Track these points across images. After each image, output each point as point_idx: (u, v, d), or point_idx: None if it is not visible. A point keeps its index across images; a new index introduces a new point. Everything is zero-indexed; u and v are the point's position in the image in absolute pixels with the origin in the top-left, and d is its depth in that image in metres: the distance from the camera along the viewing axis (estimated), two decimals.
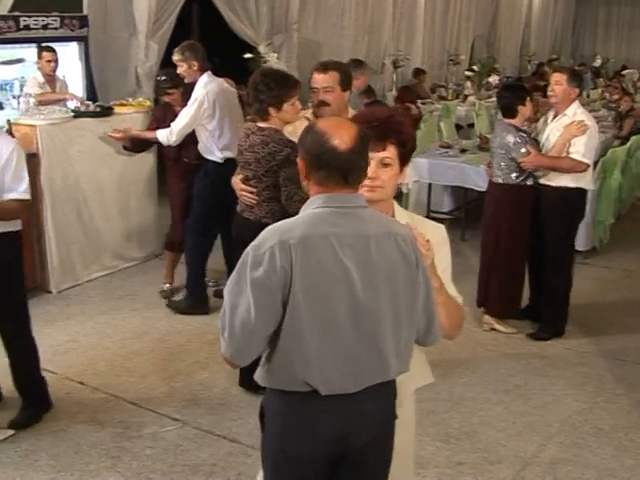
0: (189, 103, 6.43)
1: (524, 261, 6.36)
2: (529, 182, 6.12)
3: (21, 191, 4.54)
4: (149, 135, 6.82)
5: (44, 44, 8.37)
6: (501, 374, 5.70)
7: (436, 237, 2.91)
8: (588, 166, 5.97)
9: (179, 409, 5.10)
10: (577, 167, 5.94)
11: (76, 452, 4.65)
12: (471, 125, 12.03)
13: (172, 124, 6.51)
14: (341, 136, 2.58)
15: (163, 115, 6.88)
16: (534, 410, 5.22)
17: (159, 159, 7.77)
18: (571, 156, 5.93)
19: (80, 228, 7.26)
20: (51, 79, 8.31)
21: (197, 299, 6.68)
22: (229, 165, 6.34)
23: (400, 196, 9.32)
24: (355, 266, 2.55)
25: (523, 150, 5.98)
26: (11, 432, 4.78)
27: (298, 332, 2.56)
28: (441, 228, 3.00)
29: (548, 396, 5.40)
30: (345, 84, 4.64)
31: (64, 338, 6.03)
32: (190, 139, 6.54)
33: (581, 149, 5.91)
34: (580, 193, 6.11)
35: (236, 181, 4.93)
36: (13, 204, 4.54)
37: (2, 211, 4.55)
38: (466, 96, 13.50)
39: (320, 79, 4.59)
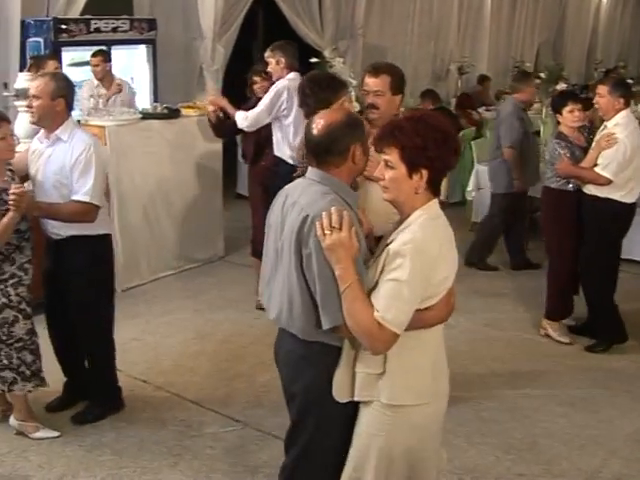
0: (268, 92, 6.47)
1: (568, 266, 6.27)
2: (570, 187, 6.12)
3: (82, 193, 4.55)
4: (231, 111, 6.74)
5: (95, 49, 8.49)
6: (565, 386, 5.63)
7: (396, 246, 2.89)
8: (609, 180, 5.84)
9: (241, 410, 5.14)
10: (597, 180, 5.90)
11: (139, 449, 4.72)
12: (536, 132, 11.87)
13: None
14: (317, 123, 3.09)
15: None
16: (598, 424, 5.13)
17: (226, 161, 7.85)
18: (595, 168, 5.90)
19: (146, 228, 7.37)
20: (104, 81, 8.39)
21: None
22: None
23: (464, 203, 9.33)
24: (283, 220, 3.11)
25: (558, 156, 6.06)
26: (56, 434, 4.82)
27: (263, 260, 3.32)
28: (408, 243, 2.86)
29: (613, 410, 5.31)
30: (396, 88, 4.55)
31: (128, 336, 6.09)
32: (270, 142, 6.55)
33: (604, 162, 5.86)
34: (613, 205, 5.95)
35: None
36: (72, 206, 4.57)
37: (60, 212, 4.60)
38: (531, 103, 13.32)
39: (371, 82, 4.50)
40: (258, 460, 4.60)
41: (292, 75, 6.45)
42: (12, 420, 4.81)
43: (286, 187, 3.26)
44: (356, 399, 3.08)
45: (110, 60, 8.52)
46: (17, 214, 4.33)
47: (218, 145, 7.94)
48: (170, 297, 7.16)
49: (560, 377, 5.78)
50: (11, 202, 4.27)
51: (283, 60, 6.43)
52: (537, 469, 4.61)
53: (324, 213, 2.89)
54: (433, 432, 3.18)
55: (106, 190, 5.05)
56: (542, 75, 13.56)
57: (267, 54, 6.53)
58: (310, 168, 3.16)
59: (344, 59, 11.19)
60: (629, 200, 6.00)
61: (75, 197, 4.56)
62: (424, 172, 2.92)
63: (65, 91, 4.65)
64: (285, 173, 6.41)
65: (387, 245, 2.95)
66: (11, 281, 4.53)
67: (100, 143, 4.90)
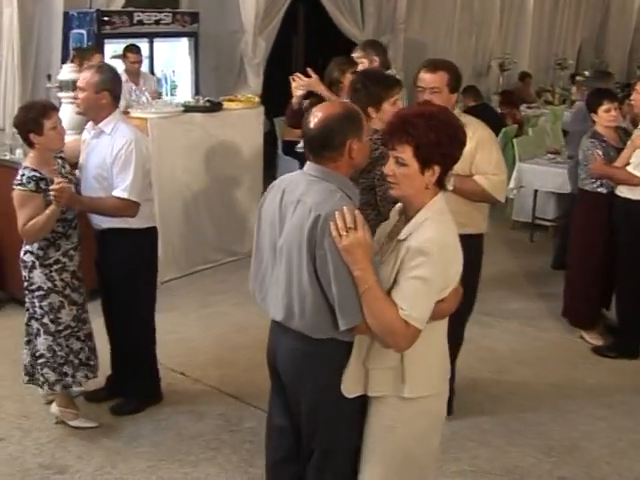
0: None
1: (596, 272, 6.18)
2: (602, 190, 6.02)
3: (120, 189, 4.57)
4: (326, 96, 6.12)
5: (128, 44, 8.54)
6: (605, 388, 5.56)
7: (416, 243, 2.87)
8: None
9: None
10: (630, 180, 5.78)
11: (177, 442, 4.73)
12: None
13: None
14: (315, 116, 3.01)
15: None
16: (639, 427, 5.06)
17: (266, 154, 7.83)
18: (627, 168, 5.79)
19: (185, 221, 7.39)
20: (135, 77, 8.42)
21: None
22: None
23: (505, 201, 9.23)
24: (282, 217, 3.04)
25: (591, 156, 5.96)
26: (94, 424, 4.85)
27: (253, 254, 3.27)
28: (430, 240, 2.86)
29: None
30: (453, 86, 4.49)
31: (167, 328, 6.08)
32: None
33: (636, 161, 5.74)
34: None
35: None
36: (111, 201, 4.59)
37: (100, 206, 4.64)
38: (573, 101, 13.19)
39: (428, 79, 4.46)
40: None
41: (390, 72, 6.29)
42: (53, 407, 4.86)
43: (279, 181, 3.21)
44: (370, 394, 3.08)
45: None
46: (58, 208, 4.38)
47: (259, 139, 7.95)
48: (208, 290, 7.18)
49: (600, 379, 5.71)
50: (52, 196, 4.32)
51: (377, 59, 6.21)
52: (578, 472, 4.56)
53: (337, 213, 2.85)
54: (443, 418, 3.22)
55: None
56: (586, 73, 13.44)
57: (358, 54, 6.24)
58: (308, 163, 3.09)
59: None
60: None
61: (114, 193, 4.58)
62: (436, 168, 2.91)
63: (110, 84, 4.65)
64: None
65: (401, 241, 2.93)
66: (55, 266, 4.58)
67: (144, 137, 4.89)
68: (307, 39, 13.50)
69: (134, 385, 5.07)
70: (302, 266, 2.96)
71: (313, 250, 2.92)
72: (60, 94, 6.52)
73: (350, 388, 3.07)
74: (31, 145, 4.58)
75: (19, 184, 4.46)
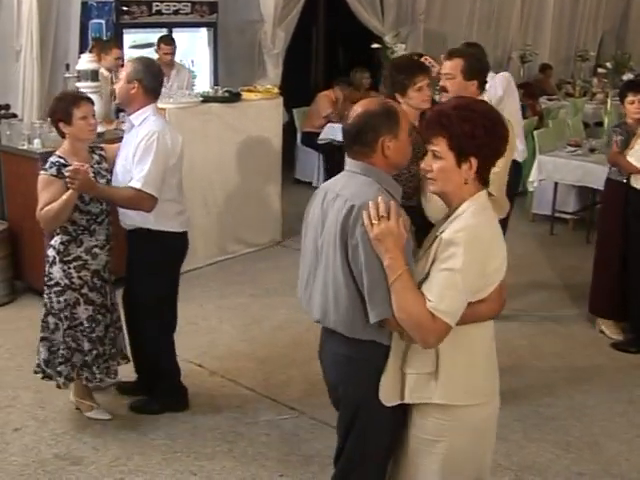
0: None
1: (610, 263, 6.12)
2: (621, 178, 5.97)
3: (135, 179, 4.43)
4: None
5: (163, 35, 8.54)
6: (625, 384, 5.50)
7: (448, 234, 2.79)
8: (638, 169, 5.74)
9: (296, 398, 5.10)
10: (628, 168, 5.80)
11: (192, 434, 4.72)
12: (598, 124, 11.66)
13: None
14: (354, 111, 3.03)
15: None
16: None
17: (285, 146, 7.81)
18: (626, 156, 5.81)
19: (204, 212, 7.36)
20: (167, 68, 8.40)
21: None
22: None
23: (525, 194, 9.18)
24: (324, 216, 3.02)
25: (612, 144, 6.00)
26: (108, 416, 4.84)
27: (301, 261, 3.22)
28: (461, 231, 2.76)
29: None
30: (470, 73, 4.56)
31: (184, 320, 6.03)
32: None
33: (636, 148, 5.75)
34: None
35: None
36: (125, 191, 4.47)
37: (114, 195, 4.53)
38: (594, 93, 13.09)
39: (444, 66, 4.63)
40: (312, 449, 4.57)
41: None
42: (71, 395, 4.90)
43: (324, 184, 3.19)
44: (407, 402, 2.98)
45: None
46: (74, 193, 4.30)
47: (278, 130, 7.92)
48: (226, 282, 7.16)
49: (619, 374, 5.65)
50: (67, 179, 4.25)
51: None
52: (596, 469, 4.51)
53: (371, 202, 2.81)
54: (491, 433, 3.10)
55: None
56: (608, 65, 13.32)
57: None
58: (348, 159, 3.07)
59: (405, 45, 11.06)
60: None
61: (130, 183, 4.46)
62: (473, 161, 2.82)
63: (142, 75, 4.55)
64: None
65: (437, 235, 2.85)
66: (75, 263, 4.53)
67: (174, 132, 4.73)
68: (327, 30, 13.45)
69: (156, 386, 5.00)
70: (336, 259, 2.94)
71: (346, 241, 2.89)
72: (78, 84, 6.51)
73: (388, 396, 2.98)
74: (62, 135, 4.55)
75: (42, 169, 4.46)
